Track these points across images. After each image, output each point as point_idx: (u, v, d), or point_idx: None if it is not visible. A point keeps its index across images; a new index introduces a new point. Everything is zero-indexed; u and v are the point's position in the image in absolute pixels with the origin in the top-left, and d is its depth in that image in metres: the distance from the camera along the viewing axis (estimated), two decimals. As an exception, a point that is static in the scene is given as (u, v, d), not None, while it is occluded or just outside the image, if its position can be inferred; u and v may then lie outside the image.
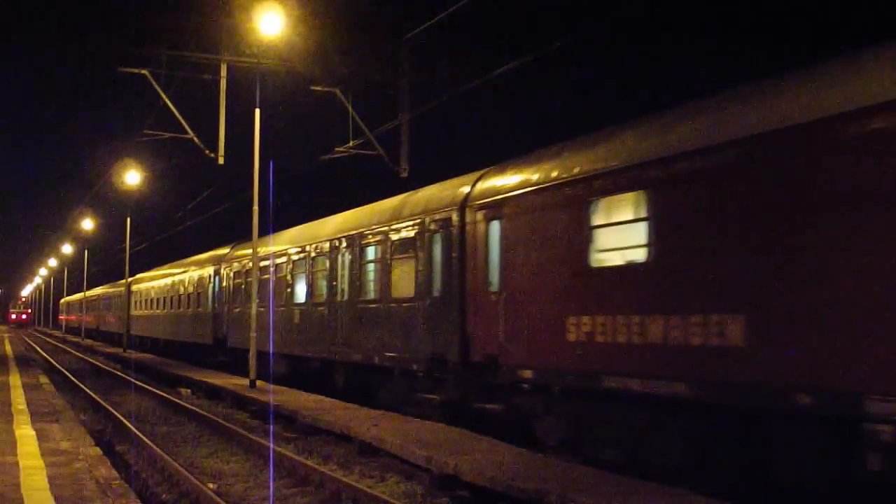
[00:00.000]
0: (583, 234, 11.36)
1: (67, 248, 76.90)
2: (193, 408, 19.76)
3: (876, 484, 7.81)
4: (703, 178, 9.57)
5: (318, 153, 25.62)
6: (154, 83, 22.88)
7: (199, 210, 40.36)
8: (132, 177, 38.45)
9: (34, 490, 8.87)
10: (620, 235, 11.01)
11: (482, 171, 14.84)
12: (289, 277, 22.94)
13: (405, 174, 23.80)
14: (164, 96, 23.11)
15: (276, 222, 25.49)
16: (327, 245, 20.26)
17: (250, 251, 24.84)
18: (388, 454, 12.85)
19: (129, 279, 49.46)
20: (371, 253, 18.13)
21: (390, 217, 17.36)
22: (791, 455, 8.67)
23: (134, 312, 48.12)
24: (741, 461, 9.32)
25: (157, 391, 24.22)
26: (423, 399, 15.50)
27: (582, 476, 10.13)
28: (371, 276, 18.21)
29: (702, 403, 9.53)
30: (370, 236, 18.04)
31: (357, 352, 18.25)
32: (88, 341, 61.42)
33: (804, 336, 8.31)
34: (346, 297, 19.11)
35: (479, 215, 13.91)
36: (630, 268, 10.71)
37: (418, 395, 15.68)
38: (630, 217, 10.84)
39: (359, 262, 18.51)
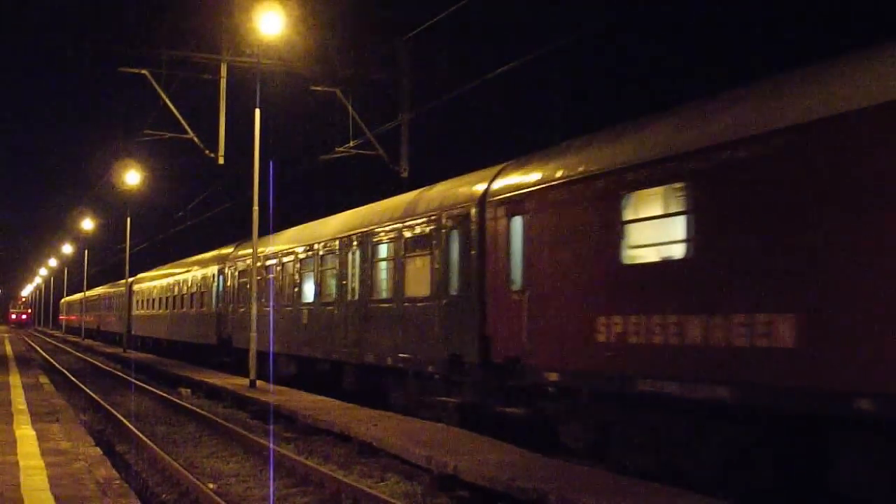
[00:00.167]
0: (614, 230, 10.71)
1: (67, 248, 76.93)
2: (193, 408, 19.64)
3: None
4: (749, 169, 8.93)
5: (318, 153, 25.64)
6: (154, 83, 22.92)
7: (199, 210, 40.42)
8: (132, 177, 38.50)
9: (34, 490, 8.80)
10: (655, 230, 10.42)
11: (501, 166, 14.22)
12: (296, 276, 22.29)
13: (405, 174, 23.83)
14: (164, 96, 23.14)
15: (276, 222, 25.50)
16: (337, 243, 19.58)
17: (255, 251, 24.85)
18: (388, 454, 12.71)
19: (131, 279, 48.99)
20: (383, 251, 17.47)
21: (403, 213, 16.68)
22: (849, 464, 8.10)
23: (135, 312, 47.63)
24: (790, 469, 8.77)
25: (158, 391, 24.08)
26: (438, 402, 14.88)
27: (582, 476, 10.05)
28: (383, 274, 17.56)
29: (747, 409, 8.95)
30: (382, 233, 17.38)
31: (368, 353, 17.58)
32: (88, 341, 61.36)
33: (867, 336, 7.68)
34: (356, 296, 18.45)
35: (500, 211, 13.27)
36: (666, 265, 10.10)
37: (434, 398, 15.05)
38: (666, 211, 10.26)
39: (370, 261, 17.85)
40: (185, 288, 35.48)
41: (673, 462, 10.02)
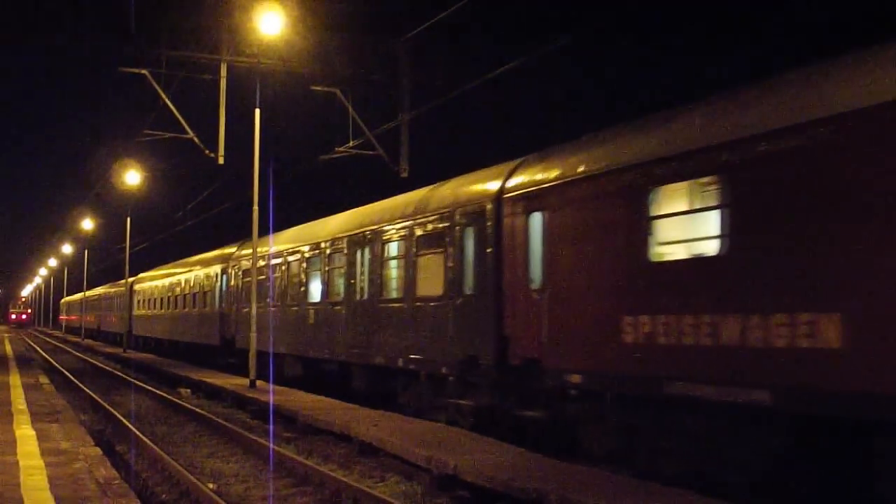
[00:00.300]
0: (641, 226, 10.20)
1: (67, 248, 76.85)
2: (193, 408, 19.59)
3: None
4: (792, 160, 8.43)
5: (318, 153, 25.63)
6: (154, 83, 22.84)
7: (199, 210, 40.38)
8: (132, 177, 38.43)
9: (34, 490, 8.73)
10: (686, 226, 9.94)
11: (517, 161, 13.73)
12: (302, 276, 21.82)
13: (405, 174, 23.80)
14: (164, 96, 23.07)
15: (276, 222, 25.46)
16: (345, 241, 19.09)
17: (259, 249, 24.48)
18: (388, 454, 12.64)
19: (132, 279, 48.62)
20: (393, 249, 16.96)
21: (414, 211, 16.15)
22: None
23: (136, 312, 47.26)
24: (833, 475, 8.36)
25: (157, 391, 24.04)
26: (452, 404, 14.39)
27: (582, 476, 9.96)
28: (393, 273, 17.04)
29: (787, 412, 8.51)
30: (392, 231, 16.89)
31: (378, 354, 17.04)
32: (88, 341, 61.29)
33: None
34: (365, 295, 17.97)
35: (518, 207, 12.76)
36: (698, 262, 9.59)
37: (447, 401, 14.55)
38: (698, 206, 9.81)
39: (380, 259, 17.33)
40: (188, 288, 35.06)
41: (705, 468, 9.57)
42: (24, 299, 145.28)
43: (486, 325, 13.34)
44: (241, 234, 30.11)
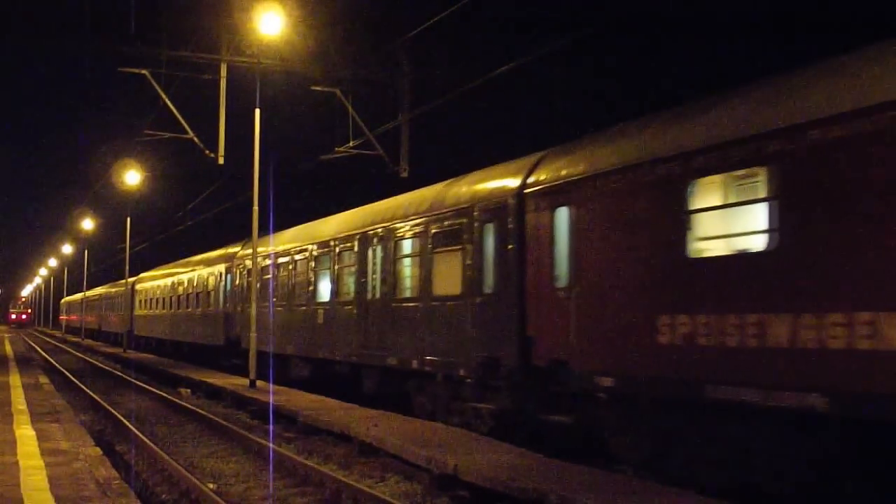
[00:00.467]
0: (679, 220, 9.58)
1: (67, 248, 76.89)
2: (193, 408, 19.51)
3: None
4: (849, 148, 7.86)
5: (318, 153, 25.64)
6: (154, 83, 22.86)
7: (199, 210, 40.39)
8: (132, 177, 38.47)
9: (34, 490, 8.70)
10: (729, 220, 9.38)
11: (540, 154, 13.13)
12: (310, 275, 21.15)
13: (405, 174, 23.81)
14: (164, 96, 23.08)
15: (276, 222, 25.44)
16: (355, 239, 18.45)
17: (263, 249, 23.95)
18: (388, 454, 12.56)
19: (134, 278, 48.17)
20: (407, 247, 16.31)
21: (430, 207, 15.49)
22: None
23: (138, 312, 46.75)
24: (891, 486, 7.83)
25: (158, 391, 23.95)
26: (471, 408, 13.75)
27: (582, 476, 9.88)
28: (407, 271, 16.38)
29: (842, 418, 7.95)
30: (406, 228, 16.21)
31: (391, 355, 16.36)
32: (88, 341, 61.27)
33: None
34: (378, 294, 17.28)
35: (542, 202, 12.15)
36: (743, 258, 9.00)
37: (465, 404, 13.92)
38: (742, 198, 9.23)
39: (393, 257, 16.68)
40: (191, 287, 34.55)
41: (748, 477, 9.02)
42: (24, 299, 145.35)
43: (507, 325, 12.73)
44: (241, 234, 30.03)
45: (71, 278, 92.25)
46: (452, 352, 14.16)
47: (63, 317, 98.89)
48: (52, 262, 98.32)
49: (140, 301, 46.35)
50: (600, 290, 10.92)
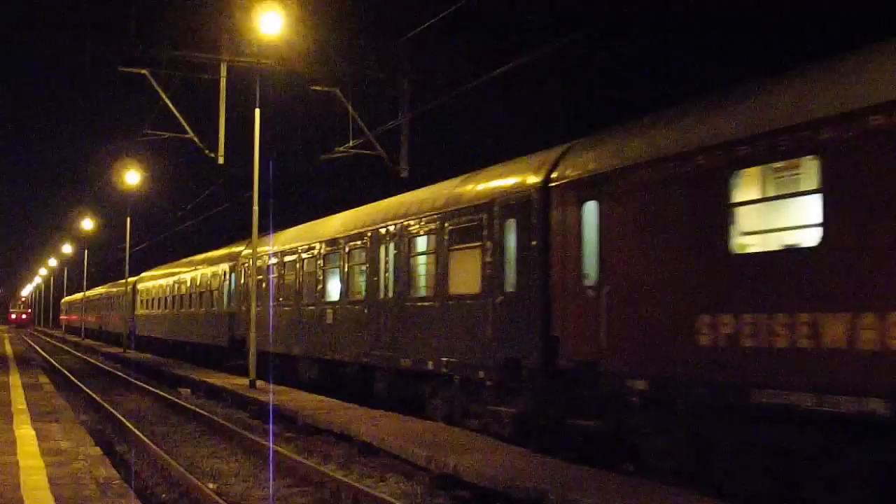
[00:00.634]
0: (721, 214, 9.00)
1: (67, 248, 76.94)
2: (193, 408, 19.44)
3: None
4: None
5: (318, 153, 25.63)
6: (154, 83, 22.82)
7: (199, 210, 40.41)
8: (132, 177, 38.49)
9: (34, 490, 8.68)
10: (777, 213, 8.84)
11: (564, 147, 12.55)
12: (319, 273, 20.58)
13: (405, 174, 23.78)
14: (164, 96, 23.03)
15: (277, 222, 25.44)
16: (366, 237, 17.85)
17: (268, 248, 23.60)
18: (388, 454, 12.55)
19: (135, 278, 47.75)
20: (422, 244, 15.74)
21: (446, 203, 14.87)
22: None
23: (139, 312, 46.33)
24: None
25: (158, 391, 23.89)
26: (491, 411, 13.15)
27: (582, 476, 9.87)
28: (422, 270, 15.79)
29: None
30: (420, 225, 15.59)
31: (405, 356, 15.76)
32: (88, 341, 61.29)
33: None
34: (390, 294, 16.65)
35: (568, 196, 11.56)
36: (795, 254, 8.43)
37: (485, 407, 13.35)
38: (792, 189, 8.68)
39: (406, 255, 16.06)
40: (194, 287, 34.08)
41: (794, 486, 8.50)
42: (24, 299, 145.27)
43: (530, 324, 12.11)
44: (241, 234, 30.00)
45: (71, 278, 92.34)
46: (470, 353, 13.59)
47: (63, 317, 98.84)
48: (52, 262, 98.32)
49: (142, 301, 45.89)
50: (633, 289, 10.32)
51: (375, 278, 17.38)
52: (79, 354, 46.68)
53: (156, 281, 42.72)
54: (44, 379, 24.89)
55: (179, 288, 36.86)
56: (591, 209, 11.17)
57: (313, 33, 22.20)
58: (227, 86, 22.89)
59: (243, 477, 12.21)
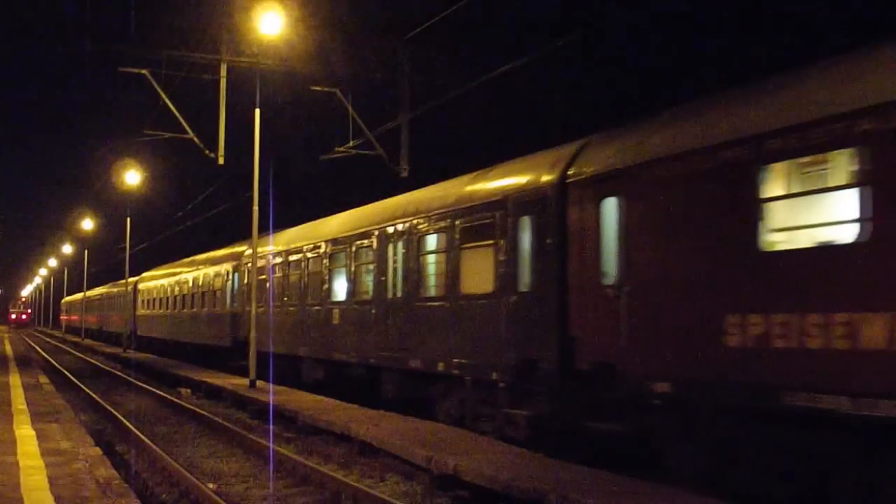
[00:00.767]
0: (749, 210, 8.64)
1: (67, 248, 76.97)
2: (193, 408, 19.48)
3: None
4: None
5: (318, 153, 25.65)
6: (154, 83, 22.85)
7: (199, 210, 40.43)
8: (132, 177, 38.50)
9: (34, 490, 8.66)
10: (810, 208, 8.46)
11: (581, 141, 12.22)
12: (324, 273, 20.18)
13: (405, 174, 23.79)
14: (164, 96, 23.05)
15: (277, 222, 25.44)
16: (373, 235, 17.51)
17: (273, 247, 23.39)
18: (388, 454, 12.52)
19: (136, 277, 47.45)
20: (432, 242, 15.36)
21: (456, 201, 14.52)
22: None
23: (140, 312, 45.98)
24: None
25: (158, 391, 23.92)
26: (504, 414, 12.83)
27: (582, 476, 9.83)
28: (432, 269, 15.41)
29: None
30: (430, 223, 15.25)
31: (414, 357, 15.40)
32: (89, 341, 61.25)
33: None
34: (399, 293, 16.29)
35: (586, 193, 11.21)
36: (830, 251, 8.05)
37: (498, 410, 13.01)
38: (827, 184, 8.32)
39: (416, 254, 15.69)
40: (197, 287, 33.74)
41: (825, 493, 8.16)
42: (24, 299, 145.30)
43: (546, 325, 11.75)
44: (241, 234, 29.98)
45: (71, 278, 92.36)
46: (483, 354, 13.23)
47: (63, 317, 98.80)
48: (52, 262, 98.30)
49: (143, 301, 45.60)
50: (655, 288, 9.93)
51: (383, 278, 17.02)
52: (79, 354, 46.66)
53: (157, 281, 42.39)
54: (44, 379, 24.88)
55: (182, 288, 36.52)
56: (610, 206, 10.80)
57: (313, 33, 22.22)
58: (227, 86, 22.92)
59: (243, 477, 12.21)
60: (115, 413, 18.50)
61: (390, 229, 16.81)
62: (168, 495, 11.30)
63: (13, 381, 22.78)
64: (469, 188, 14.49)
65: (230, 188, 34.08)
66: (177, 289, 37.51)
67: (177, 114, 23.35)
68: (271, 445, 13.59)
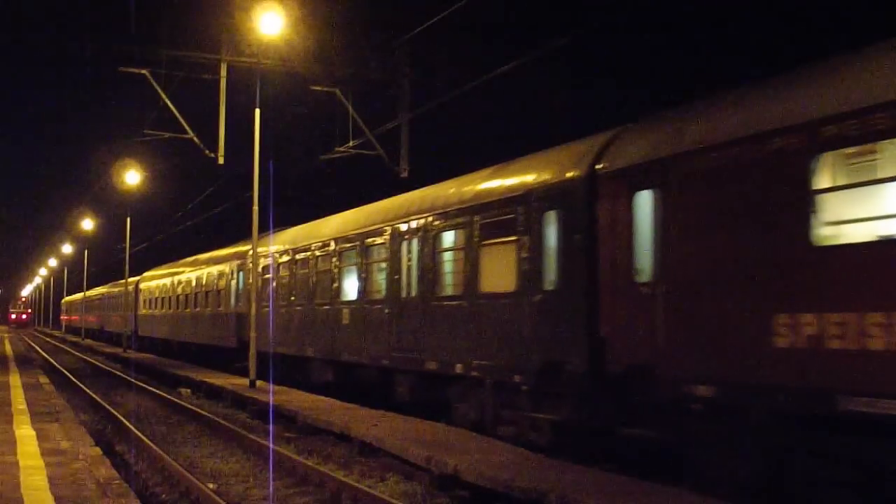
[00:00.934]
0: (802, 202, 8.06)
1: (67, 248, 76.97)
2: (193, 408, 19.44)
3: None
4: None
5: (318, 153, 25.65)
6: (154, 83, 22.83)
7: (199, 210, 40.43)
8: (132, 177, 38.50)
9: (34, 490, 8.67)
10: (870, 200, 7.90)
11: (612, 132, 11.62)
12: (334, 271, 19.56)
13: (405, 174, 23.78)
14: (164, 96, 23.03)
15: (277, 222, 25.42)
16: (385, 233, 16.91)
17: (278, 246, 23.10)
18: (388, 454, 12.50)
19: (138, 277, 47.14)
20: (449, 239, 14.72)
21: (476, 195, 13.92)
22: None
23: (142, 312, 45.55)
24: None
25: (158, 391, 23.90)
26: (527, 418, 12.24)
27: (582, 476, 9.85)
28: (449, 267, 14.75)
29: None
30: (447, 219, 14.64)
31: (430, 359, 14.78)
32: (89, 341, 61.27)
33: None
34: (414, 292, 15.63)
35: (618, 185, 10.59)
36: (892, 245, 7.53)
37: (520, 414, 12.43)
38: (889, 174, 7.73)
39: (432, 251, 15.03)
40: (200, 286, 33.20)
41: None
42: (24, 299, 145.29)
43: (573, 325, 11.16)
44: (242, 234, 29.97)
45: (71, 278, 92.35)
46: (504, 355, 12.59)
47: (64, 317, 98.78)
48: (52, 262, 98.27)
49: (144, 301, 45.15)
50: (695, 285, 9.33)
51: (397, 276, 16.34)
52: (79, 354, 46.63)
53: (159, 280, 41.89)
54: (44, 379, 24.87)
55: (185, 287, 35.96)
56: (644, 199, 10.16)
57: (313, 33, 22.21)
58: (227, 86, 22.90)
59: (243, 477, 12.21)
60: (115, 413, 18.48)
61: (404, 226, 16.21)
62: (168, 495, 11.30)
63: (13, 381, 22.78)
64: (488, 183, 13.90)
65: (230, 188, 34.07)
66: (180, 288, 36.96)
67: (177, 114, 23.33)
68: (271, 445, 13.59)
